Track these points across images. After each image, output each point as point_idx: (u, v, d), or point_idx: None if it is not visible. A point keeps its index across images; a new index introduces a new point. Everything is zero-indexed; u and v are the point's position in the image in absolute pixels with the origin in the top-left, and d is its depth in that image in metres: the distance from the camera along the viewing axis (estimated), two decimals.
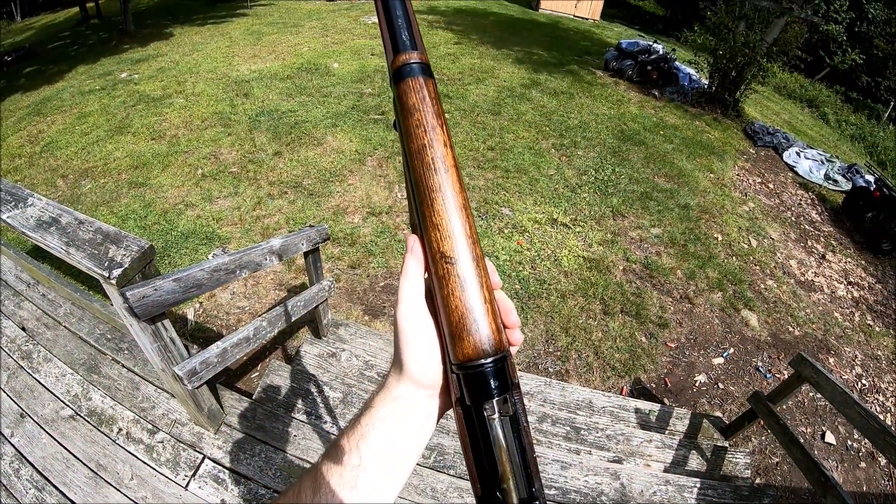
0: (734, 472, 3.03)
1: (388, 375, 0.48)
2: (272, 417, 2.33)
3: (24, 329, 2.59)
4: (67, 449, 2.07)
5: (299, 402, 2.55)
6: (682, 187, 7.06)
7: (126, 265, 1.49)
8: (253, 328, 2.21)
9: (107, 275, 1.47)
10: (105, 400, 2.25)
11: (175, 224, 5.15)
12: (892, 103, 17.88)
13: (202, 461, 2.08)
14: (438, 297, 0.42)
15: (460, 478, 2.25)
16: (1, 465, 2.02)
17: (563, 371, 4.11)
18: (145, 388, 2.30)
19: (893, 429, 2.18)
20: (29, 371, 2.38)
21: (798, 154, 9.12)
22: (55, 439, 2.10)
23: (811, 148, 9.64)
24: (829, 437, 3.96)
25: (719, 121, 10.02)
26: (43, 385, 2.31)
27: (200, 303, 4.26)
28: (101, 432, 2.13)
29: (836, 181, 8.58)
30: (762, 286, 5.49)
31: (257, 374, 3.69)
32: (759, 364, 4.51)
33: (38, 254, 3.84)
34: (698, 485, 2.55)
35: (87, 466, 2.02)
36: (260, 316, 2.38)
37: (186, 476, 2.02)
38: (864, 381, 4.63)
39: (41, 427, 2.15)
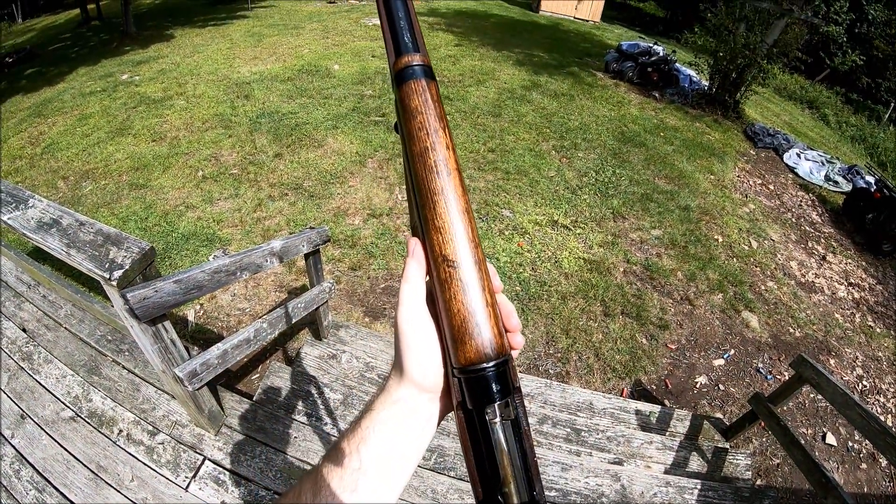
0: (735, 474, 3.03)
1: (389, 378, 0.48)
2: (272, 419, 2.33)
3: (24, 330, 2.59)
4: (68, 450, 2.07)
5: (300, 403, 2.55)
6: (683, 189, 7.06)
7: (127, 267, 1.49)
8: (253, 330, 2.21)
9: (107, 276, 1.47)
10: (105, 401, 2.25)
11: (176, 226, 5.15)
12: (892, 104, 17.88)
13: (202, 463, 2.08)
14: (440, 300, 0.42)
15: (461, 479, 2.24)
16: (1, 467, 2.02)
17: (564, 373, 4.11)
18: (146, 390, 2.30)
19: (894, 430, 2.17)
20: (29, 372, 2.38)
21: (798, 155, 9.13)
22: (56, 440, 2.10)
23: (811, 149, 9.64)
24: (830, 439, 3.95)
25: (720, 122, 10.02)
26: (43, 386, 2.31)
27: (201, 304, 4.26)
28: (102, 434, 2.13)
29: (836, 182, 8.58)
30: (763, 287, 5.49)
31: (258, 375, 3.68)
32: (760, 365, 4.50)
33: (39, 255, 3.84)
34: (699, 486, 2.55)
35: (88, 468, 2.02)
36: (260, 318, 2.38)
37: (187, 477, 2.02)
38: (864, 383, 4.62)
39: (42, 428, 2.15)
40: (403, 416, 0.45)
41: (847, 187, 8.40)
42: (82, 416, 2.20)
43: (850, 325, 5.32)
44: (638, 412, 3.48)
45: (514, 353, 0.44)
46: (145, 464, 2.05)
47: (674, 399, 4.07)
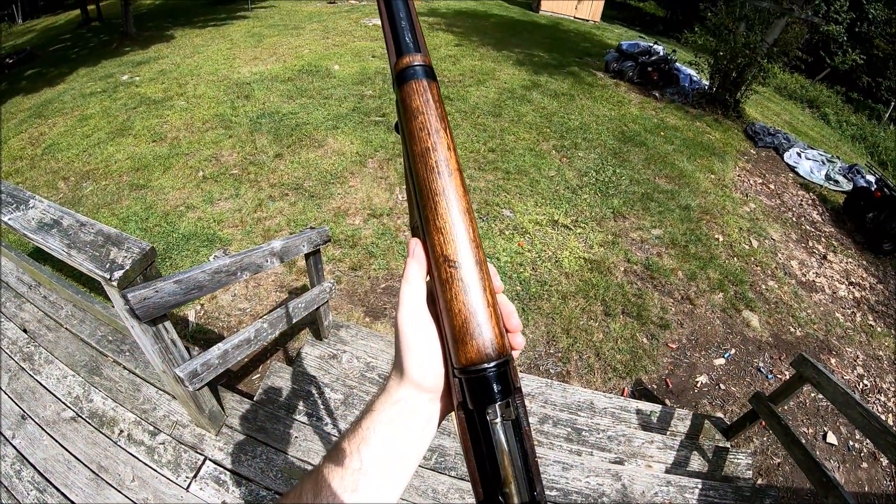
0: (736, 473, 3.03)
1: (389, 379, 0.48)
2: (273, 419, 2.33)
3: (25, 331, 2.59)
4: (69, 450, 2.07)
5: (300, 403, 2.55)
6: (683, 188, 7.06)
7: (127, 267, 1.49)
8: (254, 330, 2.21)
9: (108, 277, 1.47)
10: (106, 402, 2.25)
11: (176, 226, 5.15)
12: (892, 103, 17.87)
13: (203, 463, 2.08)
14: (441, 300, 0.42)
15: (462, 479, 2.25)
16: (2, 467, 2.02)
17: (565, 372, 4.11)
18: (146, 390, 2.30)
19: (895, 429, 2.17)
20: (30, 373, 2.38)
21: (799, 154, 9.12)
22: (56, 441, 2.10)
23: (812, 148, 9.63)
24: (831, 438, 3.95)
25: (720, 122, 10.02)
26: (44, 387, 2.31)
27: (202, 304, 4.26)
28: (103, 434, 2.14)
29: (837, 181, 8.58)
30: (763, 287, 5.49)
31: (258, 375, 3.68)
32: (761, 365, 4.50)
33: (40, 256, 3.84)
34: (700, 485, 2.55)
35: (89, 468, 2.02)
36: (261, 318, 2.38)
37: (188, 477, 2.02)
38: (865, 382, 4.62)
39: (42, 429, 2.15)
40: (404, 417, 0.45)
41: (847, 186, 8.40)
42: (83, 416, 2.20)
43: (850, 324, 5.31)
44: (639, 411, 3.48)
45: (515, 354, 0.44)
46: (146, 464, 2.05)
47: (674, 398, 4.07)
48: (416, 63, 0.45)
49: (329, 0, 17.50)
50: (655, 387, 4.14)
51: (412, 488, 2.17)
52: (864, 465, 3.83)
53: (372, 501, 0.43)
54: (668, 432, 3.40)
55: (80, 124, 7.54)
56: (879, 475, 3.80)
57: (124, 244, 1.54)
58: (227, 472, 2.07)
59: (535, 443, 2.88)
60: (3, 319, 2.65)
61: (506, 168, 6.74)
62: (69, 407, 2.23)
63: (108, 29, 14.15)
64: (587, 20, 20.18)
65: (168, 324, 1.74)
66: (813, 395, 4.28)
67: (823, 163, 8.93)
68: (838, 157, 9.56)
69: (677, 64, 11.39)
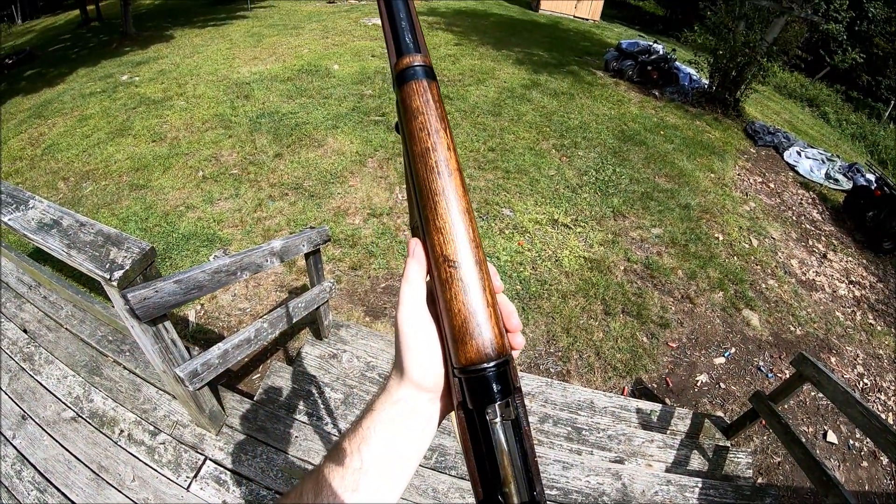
0: (736, 472, 3.03)
1: (389, 378, 0.48)
2: (273, 419, 2.33)
3: (25, 331, 2.59)
4: (69, 451, 2.08)
5: (300, 403, 2.55)
6: (683, 187, 7.06)
7: (127, 267, 1.49)
8: (254, 329, 2.21)
9: (108, 277, 1.47)
10: (106, 402, 2.25)
11: (176, 226, 5.15)
12: (892, 102, 17.88)
13: (203, 462, 2.08)
14: (441, 300, 0.42)
15: (462, 478, 2.25)
16: (3, 467, 2.02)
17: (565, 371, 4.11)
18: (147, 390, 2.30)
19: (895, 428, 2.17)
20: (30, 373, 2.38)
21: (799, 153, 9.12)
22: (57, 441, 2.11)
23: (812, 147, 9.63)
24: (831, 437, 3.96)
25: (720, 120, 10.02)
26: (44, 387, 2.32)
27: (202, 304, 4.26)
28: (103, 434, 2.14)
29: (836, 180, 8.58)
30: (763, 286, 5.49)
31: (258, 375, 3.69)
32: (761, 363, 4.50)
33: (40, 256, 3.84)
34: (700, 485, 2.55)
35: (89, 468, 2.02)
36: (261, 317, 2.38)
37: (188, 477, 2.03)
38: (865, 381, 4.62)
39: (43, 429, 2.15)
40: (404, 417, 0.45)
41: (847, 185, 8.40)
42: (83, 416, 2.20)
43: (850, 322, 5.32)
44: (639, 411, 3.49)
45: (515, 354, 0.44)
46: (146, 464, 2.05)
47: (675, 397, 4.07)
48: (416, 63, 0.45)
49: (328, 0, 17.48)
50: (655, 386, 4.14)
51: (412, 487, 2.17)
52: (865, 463, 3.84)
53: (372, 501, 0.44)
54: (669, 431, 3.40)
55: (79, 124, 7.54)
56: (880, 474, 3.80)
57: (124, 244, 1.54)
58: (228, 472, 2.07)
59: (536, 442, 2.89)
60: (3, 320, 2.65)
61: (506, 167, 6.74)
62: (69, 407, 2.23)
63: (108, 29, 14.15)
64: (587, 19, 20.18)
65: (168, 324, 1.75)
66: (813, 393, 4.28)
67: (823, 161, 8.93)
68: (838, 156, 9.56)
69: (677, 63, 11.39)
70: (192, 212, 5.40)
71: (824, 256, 6.38)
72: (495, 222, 5.65)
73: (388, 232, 5.28)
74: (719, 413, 3.94)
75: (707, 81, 10.91)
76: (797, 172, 8.77)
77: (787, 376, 3.25)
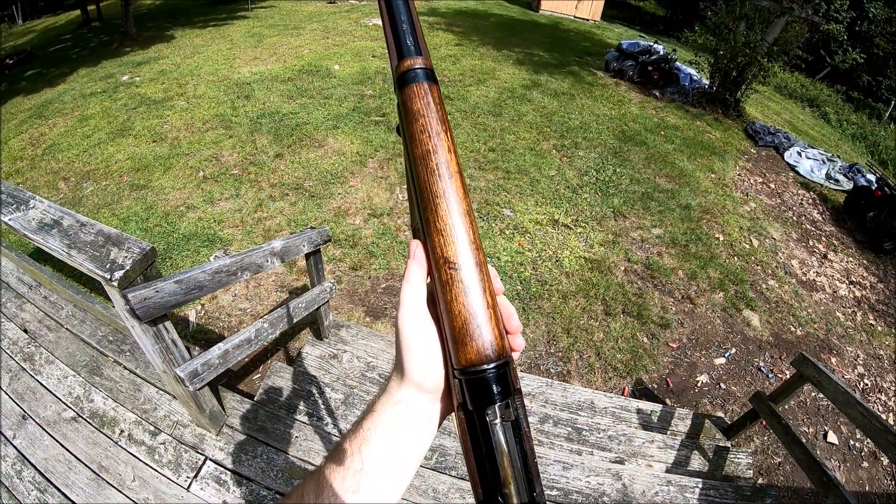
0: (736, 473, 3.03)
1: (390, 380, 0.48)
2: (274, 419, 2.33)
3: (26, 331, 2.59)
4: (69, 451, 2.08)
5: (301, 403, 2.55)
6: (684, 187, 7.06)
7: (127, 267, 1.49)
8: (254, 330, 2.21)
9: (108, 277, 1.47)
10: (107, 402, 2.25)
11: (177, 226, 5.16)
12: (892, 102, 17.88)
13: (204, 462, 2.08)
14: (441, 302, 0.42)
15: (462, 479, 2.25)
16: (3, 467, 2.02)
17: (565, 372, 4.11)
18: (147, 390, 2.31)
19: (895, 428, 2.17)
20: (31, 373, 2.38)
21: (799, 154, 9.12)
22: (57, 441, 2.11)
23: (812, 147, 9.63)
24: (832, 437, 3.95)
25: (720, 121, 10.02)
26: (45, 387, 2.32)
27: (202, 305, 4.27)
28: (103, 434, 2.14)
29: (837, 181, 8.58)
30: (764, 286, 5.48)
31: (259, 375, 3.69)
32: (761, 364, 4.50)
33: (40, 256, 3.84)
34: (700, 485, 2.55)
35: (89, 468, 2.02)
36: (261, 317, 2.38)
37: (188, 477, 2.03)
38: (866, 381, 4.62)
39: (43, 429, 2.15)
40: (405, 418, 0.45)
41: (848, 185, 8.39)
42: (84, 416, 2.20)
43: (851, 323, 5.31)
44: (639, 411, 3.49)
45: (515, 355, 0.44)
46: (147, 464, 2.05)
47: (675, 398, 4.07)
48: (417, 66, 0.45)
49: (329, 0, 17.48)
50: (656, 386, 4.14)
51: (413, 488, 2.17)
52: (865, 464, 3.83)
53: (373, 502, 0.44)
54: (669, 432, 3.40)
55: (80, 125, 7.55)
56: (880, 474, 3.80)
57: (124, 244, 1.54)
58: (228, 472, 2.07)
59: (536, 442, 2.89)
60: (3, 320, 2.65)
61: (506, 167, 6.74)
62: (70, 407, 2.23)
63: (109, 29, 14.15)
64: (587, 19, 20.18)
65: (168, 324, 1.75)
66: (813, 394, 4.28)
67: (824, 162, 8.93)
68: (839, 156, 9.56)
69: (677, 63, 11.39)
70: (192, 212, 5.40)
71: (825, 257, 6.38)
72: (496, 222, 5.65)
73: (388, 232, 5.28)
74: (720, 413, 3.94)
75: (707, 82, 10.91)
76: (798, 173, 8.77)
77: (788, 377, 3.25)
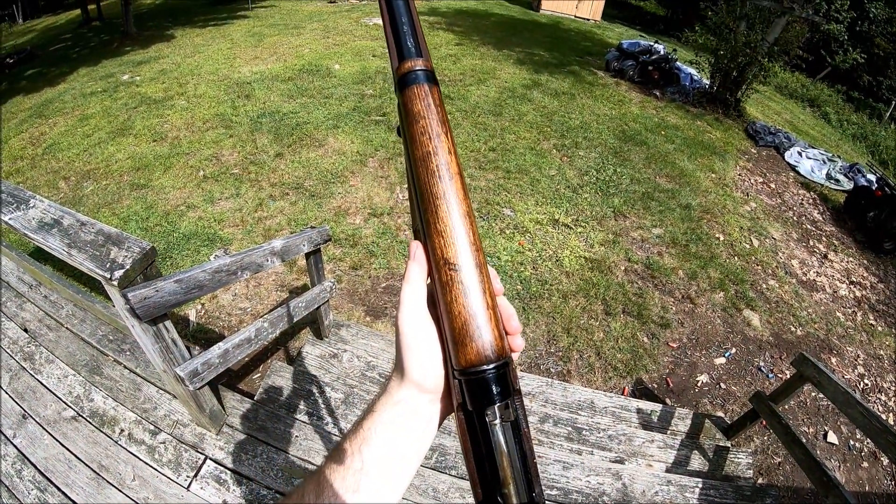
0: (736, 472, 3.03)
1: (390, 380, 0.48)
2: (274, 418, 2.33)
3: (26, 330, 2.59)
4: (69, 450, 2.08)
5: (301, 402, 2.55)
6: (684, 187, 7.06)
7: (127, 266, 1.49)
8: (254, 329, 2.21)
9: (108, 276, 1.47)
10: (107, 401, 2.25)
11: (177, 225, 5.16)
12: (893, 102, 17.87)
13: (204, 462, 2.08)
14: (441, 303, 0.42)
15: (462, 478, 2.25)
16: (3, 466, 2.03)
17: (565, 371, 4.11)
18: (147, 389, 2.31)
19: (895, 428, 2.17)
20: (31, 372, 2.38)
21: (800, 154, 9.11)
22: (57, 440, 2.11)
23: (813, 147, 9.63)
24: (832, 437, 3.95)
25: (721, 121, 10.01)
26: (45, 386, 2.32)
27: (202, 304, 4.27)
28: (103, 433, 2.14)
29: (837, 181, 8.57)
30: (764, 286, 5.48)
31: (259, 374, 3.69)
32: (761, 364, 4.50)
33: (41, 255, 3.84)
34: (700, 485, 2.55)
35: (90, 467, 2.02)
36: (261, 317, 2.38)
37: (188, 477, 2.03)
38: (866, 381, 4.62)
39: (43, 428, 2.15)
40: (405, 418, 0.46)
41: (848, 185, 8.39)
42: (84, 415, 2.20)
43: (851, 323, 5.31)
44: (639, 411, 3.49)
45: (515, 356, 0.44)
46: (147, 463, 2.05)
47: (675, 398, 4.07)
48: (417, 68, 0.45)
49: (329, 0, 17.48)
50: (656, 386, 4.14)
51: (413, 487, 2.17)
52: (865, 464, 3.83)
53: (373, 501, 0.44)
54: (669, 431, 3.40)
55: (80, 124, 7.55)
56: (880, 475, 3.80)
57: (125, 243, 1.54)
58: (228, 472, 2.07)
59: (536, 442, 2.89)
60: (3, 319, 2.66)
61: (506, 167, 6.74)
62: (70, 406, 2.24)
63: (109, 29, 14.15)
64: (588, 19, 20.17)
65: (168, 323, 1.75)
66: (813, 394, 4.28)
67: (824, 162, 8.92)
68: (839, 156, 9.56)
69: (678, 63, 11.38)
70: (192, 211, 5.40)
71: (825, 257, 6.38)
72: (496, 222, 5.65)
73: (388, 232, 5.28)
74: (720, 413, 3.94)
75: (708, 82, 10.90)
76: (798, 173, 8.77)
77: (788, 377, 3.25)
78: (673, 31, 19.70)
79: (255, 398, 2.49)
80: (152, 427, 2.17)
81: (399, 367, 0.47)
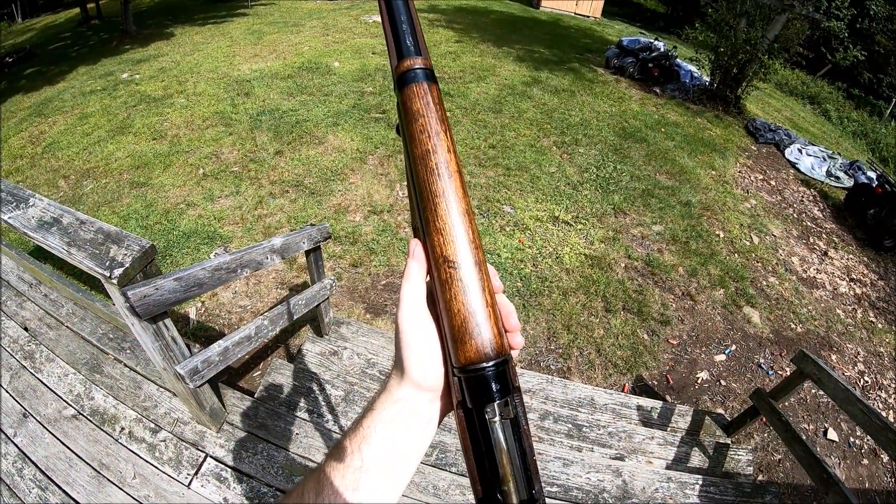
0: (736, 469, 3.04)
1: (390, 378, 0.48)
2: (274, 416, 2.34)
3: (26, 329, 2.60)
4: (70, 448, 2.08)
5: (301, 400, 2.56)
6: (684, 184, 7.05)
7: (127, 265, 1.49)
8: (254, 327, 2.22)
9: (108, 274, 1.47)
10: (107, 399, 2.25)
11: (177, 223, 5.16)
12: (893, 100, 17.84)
13: (204, 460, 2.08)
14: (441, 300, 0.42)
15: (462, 476, 2.25)
16: (4, 465, 2.03)
17: (565, 368, 4.11)
18: (147, 388, 2.31)
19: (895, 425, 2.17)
20: (31, 371, 2.38)
21: (800, 151, 9.10)
22: (58, 439, 2.11)
23: (813, 145, 9.62)
24: (832, 434, 3.96)
25: (721, 118, 10.00)
26: (45, 385, 2.32)
27: (202, 302, 4.27)
28: (104, 431, 2.14)
29: (838, 178, 8.57)
30: (764, 283, 5.48)
31: (259, 372, 3.69)
32: (762, 361, 4.50)
33: (41, 254, 3.84)
34: (700, 482, 2.55)
35: (90, 466, 2.03)
36: (262, 314, 2.38)
37: (189, 475, 2.03)
38: (866, 378, 4.62)
39: (44, 427, 2.15)
40: (404, 416, 0.46)
41: (849, 183, 8.38)
42: (84, 414, 2.20)
43: (851, 320, 5.31)
44: (639, 408, 3.49)
45: (514, 353, 0.44)
46: (147, 461, 2.06)
47: (675, 394, 4.08)
48: (416, 66, 0.45)
49: None
50: (656, 383, 4.15)
51: (413, 484, 2.17)
52: (865, 461, 3.84)
53: (373, 499, 0.44)
54: (669, 428, 3.40)
55: (80, 122, 7.54)
56: (880, 472, 3.80)
57: (124, 242, 1.54)
58: (229, 469, 2.07)
59: (536, 439, 2.89)
60: (4, 318, 2.66)
61: (506, 164, 6.73)
62: (70, 405, 2.24)
63: (108, 27, 14.13)
64: (588, 16, 20.15)
65: (168, 321, 1.75)
66: (814, 391, 4.28)
67: (824, 159, 8.91)
68: (839, 154, 9.54)
69: (678, 60, 11.36)
70: (192, 209, 5.40)
71: (825, 254, 6.38)
72: (496, 219, 5.64)
73: (388, 229, 5.28)
74: (720, 410, 3.95)
75: (708, 79, 10.88)
76: (798, 170, 8.76)
77: (788, 374, 3.25)
78: (673, 28, 19.65)
79: (256, 396, 2.49)
80: (153, 425, 2.17)
81: (398, 365, 0.47)
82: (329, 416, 2.49)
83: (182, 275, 1.69)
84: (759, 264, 5.79)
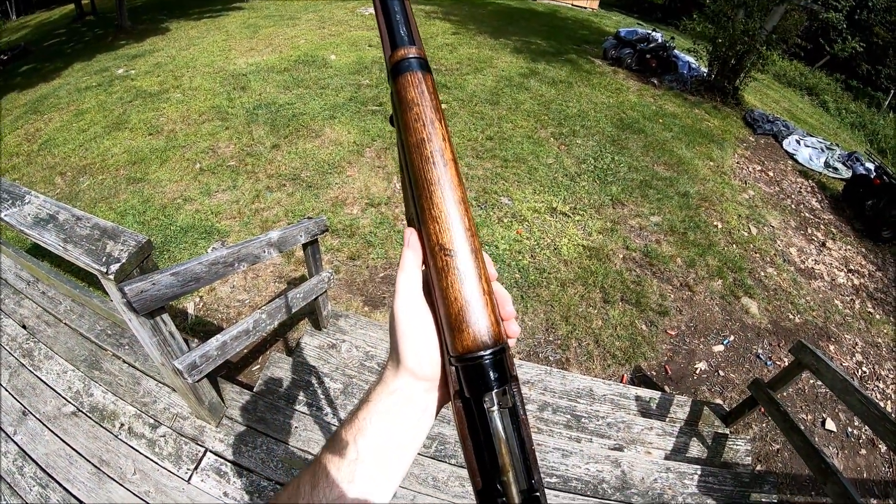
0: (735, 459, 3.05)
1: (386, 369, 0.48)
2: (273, 409, 2.34)
3: (24, 327, 2.59)
4: (70, 445, 2.08)
5: (300, 393, 2.56)
6: (682, 175, 7.05)
7: (123, 260, 1.48)
8: (253, 321, 2.21)
9: (104, 270, 1.46)
10: (106, 395, 2.25)
11: (174, 218, 5.14)
12: (892, 91, 17.84)
13: (204, 454, 2.09)
14: (437, 289, 0.42)
15: (462, 467, 2.26)
16: (4, 464, 2.03)
17: (564, 359, 4.12)
18: (146, 383, 2.31)
19: (893, 416, 2.18)
20: (30, 369, 2.38)
21: (798, 142, 9.10)
22: (58, 436, 2.11)
23: (811, 136, 9.61)
24: (830, 424, 3.97)
25: (719, 109, 9.98)
26: (44, 382, 2.32)
27: (200, 297, 4.26)
28: (104, 428, 2.14)
29: (836, 169, 8.56)
30: (762, 274, 5.49)
31: (258, 366, 3.69)
32: (760, 351, 4.51)
33: (38, 252, 3.84)
34: (699, 472, 2.56)
35: (90, 462, 2.03)
36: (260, 308, 2.38)
37: (189, 469, 2.03)
38: (864, 369, 4.64)
39: (43, 424, 2.15)
40: (400, 406, 0.45)
41: (847, 174, 8.38)
42: (84, 410, 2.20)
43: (849, 311, 5.33)
44: (638, 398, 3.50)
45: (511, 342, 0.44)
46: (147, 457, 2.06)
47: (674, 385, 4.09)
48: (410, 55, 0.45)
49: None
50: (654, 373, 4.16)
51: (412, 476, 2.18)
52: (863, 451, 3.85)
53: (369, 490, 0.43)
54: (668, 419, 3.41)
55: (76, 119, 7.50)
56: (878, 462, 3.82)
57: (120, 237, 1.54)
58: (228, 464, 2.07)
59: (535, 430, 2.90)
60: (2, 316, 2.65)
61: (504, 156, 6.72)
62: (70, 402, 2.24)
63: (103, 23, 14.05)
64: (585, 7, 20.10)
65: (166, 316, 1.74)
66: (812, 381, 4.30)
67: (822, 150, 8.91)
68: (837, 145, 9.54)
69: (676, 51, 11.33)
70: (189, 204, 5.39)
71: (823, 245, 6.38)
72: (494, 211, 5.64)
73: (386, 221, 5.28)
74: (718, 400, 3.96)
75: (706, 70, 10.87)
76: (796, 161, 8.76)
77: (786, 364, 3.26)
78: (671, 19, 19.61)
79: (255, 390, 2.49)
80: (152, 421, 2.17)
81: (394, 355, 0.46)
82: (328, 409, 2.50)
83: (179, 269, 1.68)
84: (758, 255, 5.80)
